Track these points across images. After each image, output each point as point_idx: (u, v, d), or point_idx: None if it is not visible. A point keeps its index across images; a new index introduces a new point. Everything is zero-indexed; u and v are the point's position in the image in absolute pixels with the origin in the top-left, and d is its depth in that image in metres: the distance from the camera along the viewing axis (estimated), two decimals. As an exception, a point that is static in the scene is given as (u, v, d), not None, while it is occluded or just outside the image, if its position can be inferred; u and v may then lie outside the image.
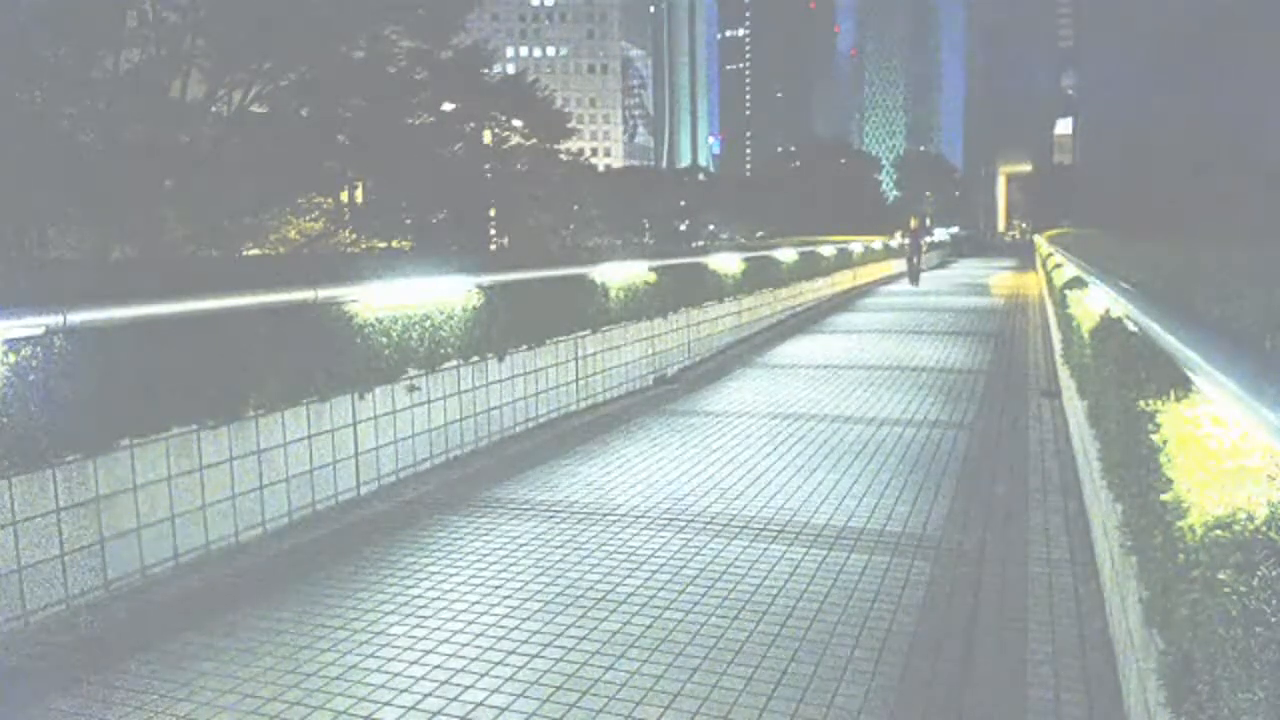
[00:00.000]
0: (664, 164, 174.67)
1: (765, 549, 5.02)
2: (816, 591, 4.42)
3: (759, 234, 64.70)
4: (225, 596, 4.54)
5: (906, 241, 28.96)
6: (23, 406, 4.03)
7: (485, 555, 5.03)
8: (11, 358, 4.02)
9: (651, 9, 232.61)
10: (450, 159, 26.76)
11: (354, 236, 22.67)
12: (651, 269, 10.64)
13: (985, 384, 10.42)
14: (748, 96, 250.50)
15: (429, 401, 6.85)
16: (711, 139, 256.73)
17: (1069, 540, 5.07)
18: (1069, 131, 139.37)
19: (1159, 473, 2.51)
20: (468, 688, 3.56)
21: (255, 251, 18.39)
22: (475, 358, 7.36)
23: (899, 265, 32.43)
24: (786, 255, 17.77)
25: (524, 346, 8.06)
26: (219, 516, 5.11)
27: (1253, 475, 2.03)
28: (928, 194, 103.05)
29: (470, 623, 4.15)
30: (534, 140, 36.11)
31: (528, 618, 4.19)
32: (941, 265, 43.41)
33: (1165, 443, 2.60)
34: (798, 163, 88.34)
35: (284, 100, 18.16)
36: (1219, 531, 1.87)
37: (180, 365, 4.79)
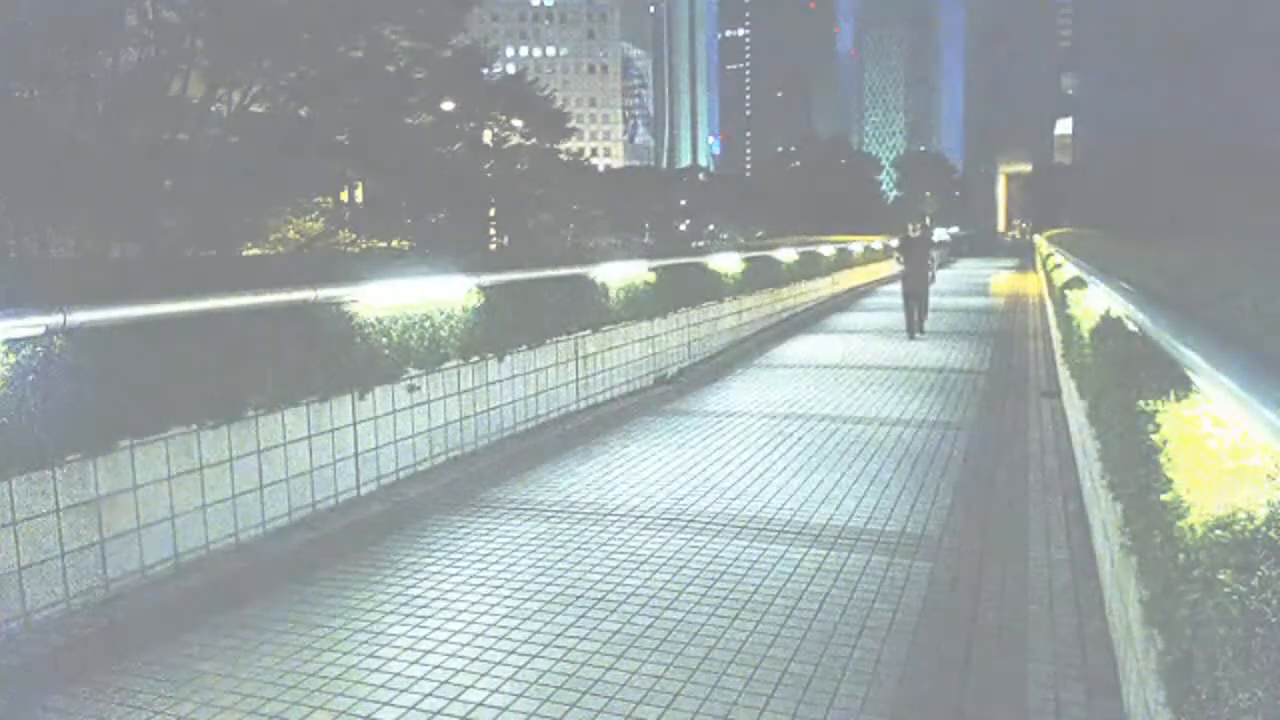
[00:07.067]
0: (664, 164, 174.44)
1: (765, 549, 5.02)
2: (816, 591, 4.42)
3: (759, 234, 64.74)
4: (225, 596, 4.54)
5: (900, 257, 15.63)
6: (23, 406, 4.03)
7: (485, 555, 5.03)
8: (11, 358, 4.02)
9: (651, 9, 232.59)
10: (450, 159, 26.75)
11: (354, 236, 22.67)
12: (651, 269, 10.64)
13: (985, 384, 10.42)
14: (748, 96, 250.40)
15: (429, 401, 6.84)
16: (711, 139, 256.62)
17: (1069, 540, 5.06)
18: (1069, 131, 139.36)
19: (1159, 473, 2.51)
20: (468, 688, 3.56)
21: (255, 251, 18.38)
22: (475, 358, 7.36)
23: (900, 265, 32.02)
24: (786, 255, 17.77)
25: (524, 346, 8.06)
26: (219, 516, 5.10)
27: (1253, 475, 2.03)
28: (928, 194, 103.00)
29: (470, 623, 4.15)
30: (534, 140, 36.12)
31: (528, 618, 4.19)
32: (942, 265, 43.42)
33: (1165, 443, 2.61)
34: (798, 163, 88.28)
35: (284, 100, 18.16)
36: (1219, 531, 1.87)
37: (180, 365, 4.78)
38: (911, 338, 14.48)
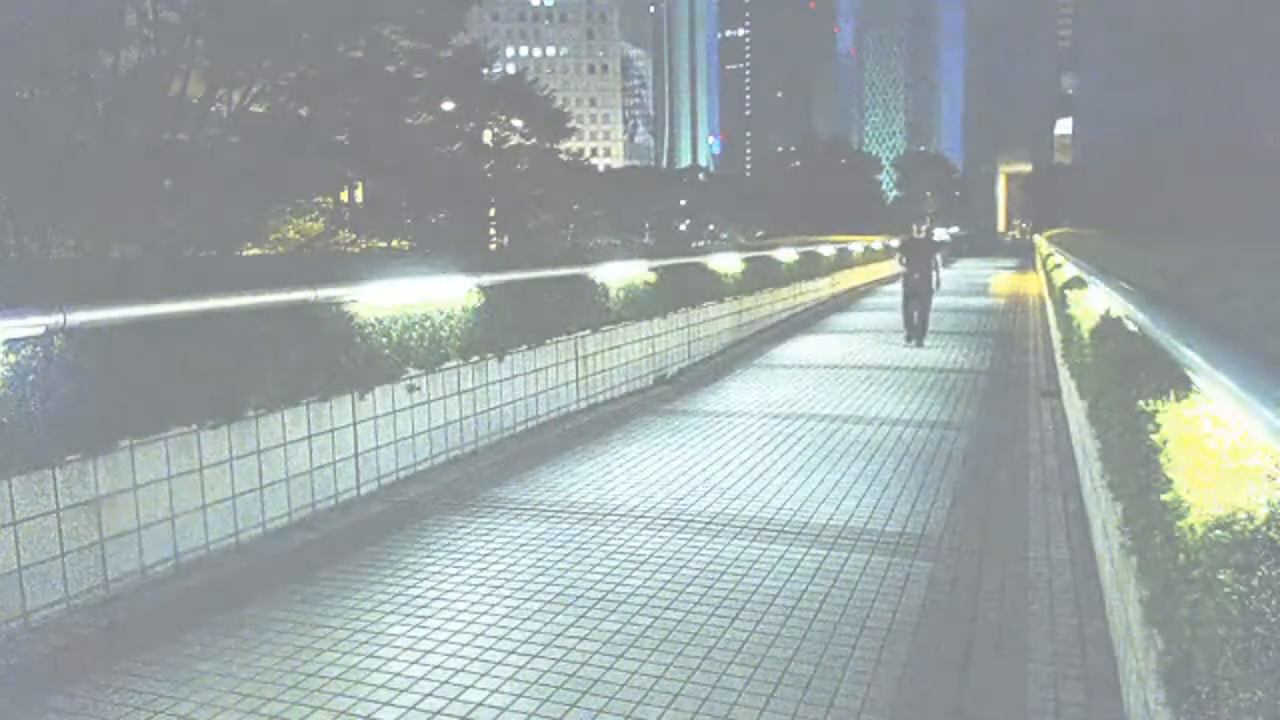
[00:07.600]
0: (664, 164, 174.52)
1: (765, 549, 5.02)
2: (816, 591, 4.42)
3: (759, 234, 64.68)
4: (225, 596, 4.54)
5: (903, 259, 14.52)
6: (23, 406, 4.03)
7: (485, 555, 5.03)
8: (11, 358, 4.02)
9: (651, 9, 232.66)
10: (450, 159, 26.74)
11: (354, 236, 22.64)
12: (651, 269, 10.64)
13: (985, 384, 10.42)
14: (748, 96, 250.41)
15: (429, 401, 6.84)
16: (711, 139, 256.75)
17: (1069, 540, 5.07)
18: (1069, 131, 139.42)
19: (1159, 473, 2.51)
20: (468, 688, 3.56)
21: (255, 251, 18.36)
22: (475, 358, 7.36)
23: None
24: (786, 255, 17.78)
25: (524, 346, 8.06)
26: (219, 516, 5.11)
27: (1253, 475, 2.03)
28: (928, 194, 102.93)
29: (470, 623, 4.15)
30: (534, 140, 36.10)
31: (528, 618, 4.19)
32: (942, 265, 43.40)
33: (1165, 443, 2.61)
34: (798, 163, 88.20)
35: (284, 100, 18.14)
36: (1219, 531, 1.87)
37: (180, 365, 4.79)
38: (909, 340, 13.65)
